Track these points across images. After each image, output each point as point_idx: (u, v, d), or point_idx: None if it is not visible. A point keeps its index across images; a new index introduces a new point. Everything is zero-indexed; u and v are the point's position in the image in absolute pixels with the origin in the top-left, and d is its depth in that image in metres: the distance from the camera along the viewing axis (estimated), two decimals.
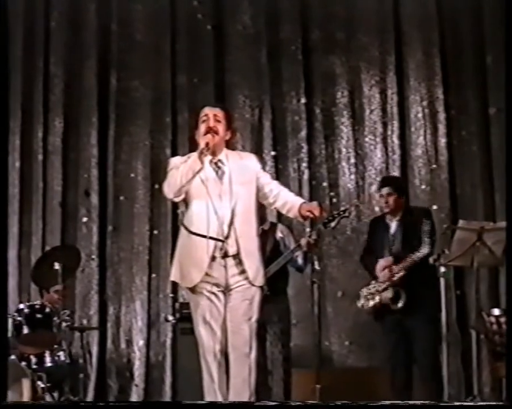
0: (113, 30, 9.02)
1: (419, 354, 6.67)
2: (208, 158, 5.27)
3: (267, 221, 7.09)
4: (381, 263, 6.72)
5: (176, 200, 5.37)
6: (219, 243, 5.22)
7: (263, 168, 5.66)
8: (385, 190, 6.88)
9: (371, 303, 6.76)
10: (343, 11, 8.78)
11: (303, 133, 8.73)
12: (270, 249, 6.87)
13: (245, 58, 8.88)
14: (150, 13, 8.97)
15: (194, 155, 5.22)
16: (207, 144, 5.22)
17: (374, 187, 8.57)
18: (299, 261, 6.97)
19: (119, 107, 8.95)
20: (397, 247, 6.77)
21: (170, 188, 5.26)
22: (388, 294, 6.64)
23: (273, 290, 6.41)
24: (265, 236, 6.79)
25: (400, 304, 6.59)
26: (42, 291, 7.77)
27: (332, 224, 5.56)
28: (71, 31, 8.99)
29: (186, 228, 5.29)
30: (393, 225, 6.86)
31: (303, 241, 6.80)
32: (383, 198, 6.88)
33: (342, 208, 5.83)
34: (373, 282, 6.78)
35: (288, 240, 7.08)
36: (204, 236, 5.20)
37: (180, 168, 5.19)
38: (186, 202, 5.33)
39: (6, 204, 8.14)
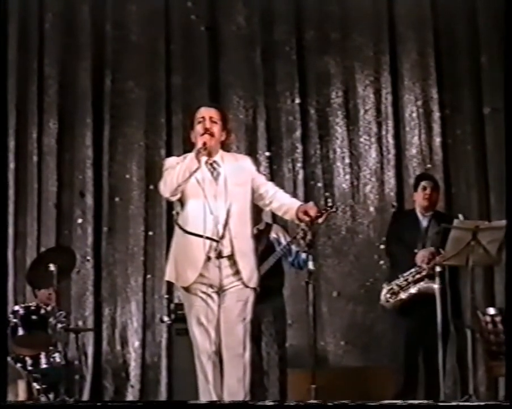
0: (107, 32, 9.01)
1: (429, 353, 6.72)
2: (203, 158, 5.28)
3: (263, 222, 7.08)
4: (423, 253, 6.68)
5: (172, 199, 5.37)
6: (214, 244, 5.21)
7: (258, 169, 5.66)
8: (429, 184, 6.96)
9: (412, 290, 6.65)
10: (337, 11, 8.79)
11: (297, 133, 8.73)
12: (262, 249, 6.83)
13: (239, 58, 8.87)
14: (145, 14, 8.96)
15: (190, 155, 5.23)
16: (204, 144, 5.22)
17: (368, 187, 8.59)
18: (302, 256, 6.89)
19: (114, 108, 8.93)
20: (430, 243, 6.75)
21: (166, 187, 5.27)
22: (430, 283, 6.57)
23: (268, 290, 6.40)
24: (260, 236, 6.78)
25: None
26: (35, 291, 7.76)
27: (320, 220, 5.52)
28: (65, 32, 8.98)
29: (181, 228, 5.29)
30: (425, 221, 6.91)
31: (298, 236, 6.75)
32: (425, 191, 6.91)
33: (329, 204, 5.78)
34: (412, 270, 6.69)
35: (282, 240, 7.06)
36: (200, 236, 5.20)
37: (176, 168, 5.20)
38: (181, 202, 5.34)
39: (6, 206, 8.17)
